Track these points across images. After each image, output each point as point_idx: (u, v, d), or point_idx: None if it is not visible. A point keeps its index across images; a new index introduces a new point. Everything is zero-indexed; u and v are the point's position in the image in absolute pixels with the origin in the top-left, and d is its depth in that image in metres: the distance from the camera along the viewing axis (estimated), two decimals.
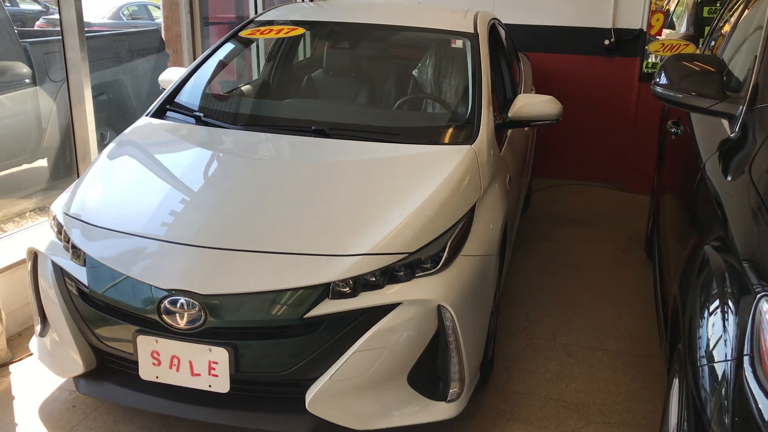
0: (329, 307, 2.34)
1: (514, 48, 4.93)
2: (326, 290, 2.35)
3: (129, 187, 2.84)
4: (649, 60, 5.78)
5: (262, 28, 3.85)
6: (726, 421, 1.53)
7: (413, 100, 3.68)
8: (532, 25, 6.04)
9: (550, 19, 6.03)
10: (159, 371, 2.41)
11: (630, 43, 5.85)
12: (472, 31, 3.74)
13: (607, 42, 5.89)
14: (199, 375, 2.38)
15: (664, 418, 2.19)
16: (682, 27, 5.81)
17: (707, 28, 5.58)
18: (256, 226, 2.54)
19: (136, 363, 2.45)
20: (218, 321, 2.33)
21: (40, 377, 3.02)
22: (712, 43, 4.45)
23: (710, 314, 1.75)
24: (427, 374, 2.50)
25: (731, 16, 4.03)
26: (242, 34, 3.84)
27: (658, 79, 2.60)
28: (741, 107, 2.32)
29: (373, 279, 2.39)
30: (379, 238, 2.46)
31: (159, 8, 13.25)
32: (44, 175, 5.06)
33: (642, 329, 3.68)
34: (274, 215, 2.59)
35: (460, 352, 2.48)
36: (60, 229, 2.69)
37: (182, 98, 3.49)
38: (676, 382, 1.98)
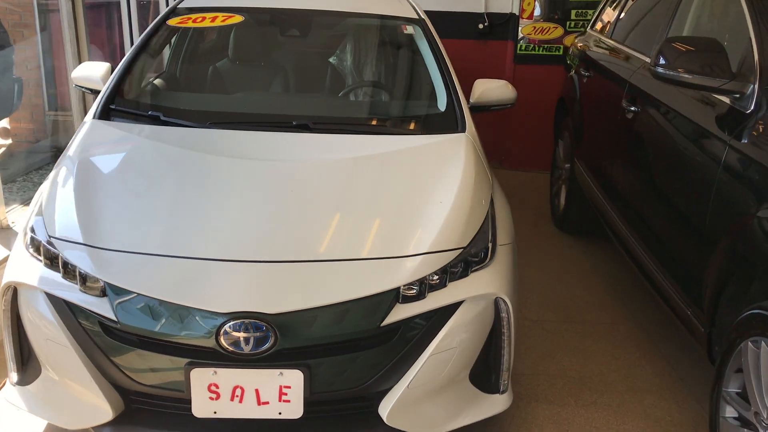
0: (402, 312, 2.21)
1: None
2: (396, 295, 2.22)
3: (131, 201, 2.47)
4: (522, 43, 6.04)
5: (194, 16, 3.51)
6: None
7: (390, 90, 3.54)
8: None
9: (424, 3, 6.06)
10: (218, 406, 2.14)
11: (503, 26, 6.08)
12: (416, 16, 3.69)
13: (481, 26, 6.07)
14: (267, 403, 2.14)
15: (723, 381, 2.33)
16: (535, 10, 6.13)
17: (574, 12, 5.98)
18: (307, 234, 2.32)
19: (184, 400, 2.15)
20: (290, 341, 2.11)
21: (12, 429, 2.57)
22: (598, 26, 4.77)
23: None
24: (483, 368, 2.46)
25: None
26: (170, 22, 3.48)
27: (657, 61, 2.73)
28: (752, 85, 2.50)
29: (436, 278, 2.29)
30: (434, 235, 2.36)
31: None
32: None
33: (594, 298, 3.88)
34: (318, 220, 2.39)
35: (511, 342, 2.46)
36: (51, 256, 2.28)
37: (128, 96, 3.10)
38: (761, 347, 2.10)
